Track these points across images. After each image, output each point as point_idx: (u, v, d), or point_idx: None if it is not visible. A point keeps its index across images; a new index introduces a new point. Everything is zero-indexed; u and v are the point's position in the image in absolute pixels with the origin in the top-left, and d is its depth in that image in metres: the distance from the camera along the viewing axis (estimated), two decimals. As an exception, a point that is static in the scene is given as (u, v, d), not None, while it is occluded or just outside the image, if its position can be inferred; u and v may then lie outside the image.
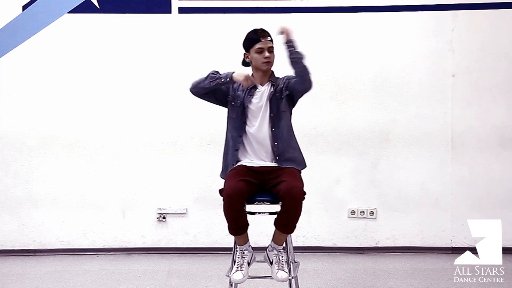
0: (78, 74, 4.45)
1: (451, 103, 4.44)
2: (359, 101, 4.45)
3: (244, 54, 3.14)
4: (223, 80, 3.03)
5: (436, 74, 4.43)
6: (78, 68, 4.45)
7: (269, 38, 3.07)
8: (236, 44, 4.37)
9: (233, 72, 3.03)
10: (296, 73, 3.02)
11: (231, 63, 4.30)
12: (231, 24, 4.42)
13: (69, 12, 4.41)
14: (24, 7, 4.38)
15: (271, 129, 3.08)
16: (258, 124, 3.09)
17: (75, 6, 4.39)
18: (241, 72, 3.03)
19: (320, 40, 4.42)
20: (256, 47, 3.05)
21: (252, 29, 3.13)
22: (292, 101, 3.15)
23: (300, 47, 3.01)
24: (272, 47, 3.08)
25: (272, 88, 3.12)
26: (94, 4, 4.40)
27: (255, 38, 3.06)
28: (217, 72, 3.09)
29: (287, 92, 3.09)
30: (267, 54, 3.05)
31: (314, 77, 4.30)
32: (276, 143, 3.08)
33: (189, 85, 3.11)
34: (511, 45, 4.40)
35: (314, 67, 4.36)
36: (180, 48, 4.45)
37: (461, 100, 4.43)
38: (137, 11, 4.42)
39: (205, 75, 3.07)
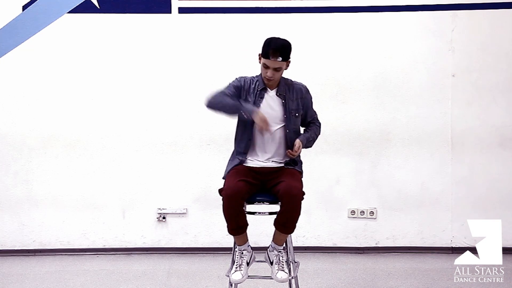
0: (78, 74, 4.45)
1: (451, 103, 4.44)
2: (359, 101, 4.45)
3: (259, 54, 3.03)
4: (245, 116, 2.95)
5: (436, 74, 4.43)
6: (78, 68, 4.45)
7: (279, 59, 2.94)
8: (236, 44, 4.41)
9: (256, 112, 2.93)
10: None
11: (231, 63, 4.34)
12: (231, 24, 4.42)
13: (69, 12, 4.41)
14: (24, 7, 4.38)
15: (288, 144, 3.09)
16: (274, 131, 3.08)
17: (75, 6, 4.39)
18: (263, 117, 2.92)
19: (320, 40, 4.41)
20: (263, 61, 2.99)
21: (272, 38, 2.99)
22: None
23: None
24: (279, 68, 2.98)
25: (285, 99, 3.09)
26: (94, 4, 4.40)
27: (266, 52, 2.95)
28: (235, 100, 2.99)
29: (302, 113, 3.17)
30: (269, 74, 2.98)
31: (314, 77, 4.33)
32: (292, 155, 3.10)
33: (206, 99, 3.01)
34: (511, 45, 4.40)
35: (314, 67, 4.41)
36: (180, 48, 4.44)
37: (461, 100, 4.43)
38: (137, 11, 4.42)
39: (223, 98, 2.97)
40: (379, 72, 4.44)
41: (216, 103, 3.00)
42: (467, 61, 4.41)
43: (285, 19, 4.39)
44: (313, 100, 3.25)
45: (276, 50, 2.93)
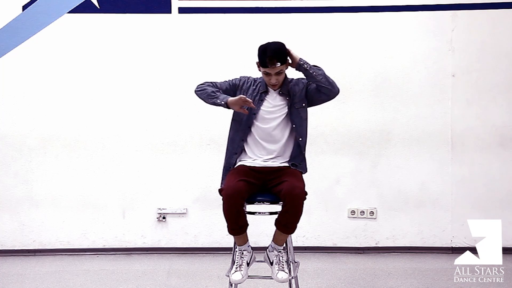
0: (78, 74, 4.45)
1: (451, 103, 4.44)
2: (359, 101, 4.45)
3: (257, 62, 3.06)
4: (218, 102, 3.01)
5: (436, 74, 4.43)
6: (78, 68, 4.45)
7: (278, 64, 2.97)
8: (236, 44, 4.41)
9: (228, 99, 2.98)
10: (321, 87, 3.07)
11: (231, 63, 4.34)
12: (231, 24, 4.42)
13: (69, 12, 4.41)
14: (24, 7, 4.38)
15: (299, 139, 3.10)
16: (275, 131, 3.08)
17: (75, 6, 4.40)
18: (236, 100, 2.95)
19: (320, 40, 4.41)
20: (263, 70, 3.02)
21: (265, 45, 2.99)
22: (311, 105, 3.18)
23: (312, 61, 3.05)
24: (280, 71, 3.02)
25: (289, 95, 3.10)
26: (94, 4, 4.40)
27: (264, 62, 2.98)
28: (217, 91, 3.05)
29: (307, 101, 3.13)
30: (273, 80, 3.03)
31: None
32: (301, 151, 3.11)
33: (195, 87, 3.12)
34: (511, 45, 4.40)
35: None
36: (180, 48, 4.44)
37: (461, 100, 4.43)
38: (137, 11, 4.42)
39: (207, 88, 3.05)
40: (379, 72, 4.44)
41: (199, 90, 3.10)
42: (467, 61, 4.42)
43: (285, 19, 4.39)
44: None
45: (272, 57, 2.96)
